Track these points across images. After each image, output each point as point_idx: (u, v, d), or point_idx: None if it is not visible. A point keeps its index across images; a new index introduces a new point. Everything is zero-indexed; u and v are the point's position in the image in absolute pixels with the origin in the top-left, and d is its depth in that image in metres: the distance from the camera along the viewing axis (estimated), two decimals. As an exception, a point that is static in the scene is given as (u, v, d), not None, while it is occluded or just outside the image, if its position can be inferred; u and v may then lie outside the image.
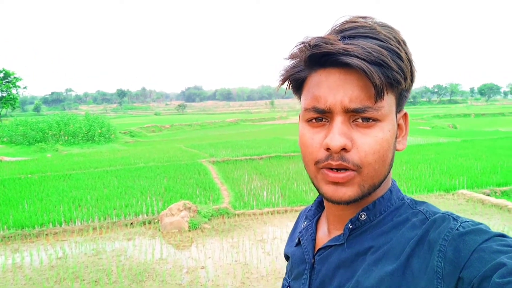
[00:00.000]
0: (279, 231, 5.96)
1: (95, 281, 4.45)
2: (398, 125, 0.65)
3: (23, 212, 6.99)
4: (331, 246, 0.68)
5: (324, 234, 0.73)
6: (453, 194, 7.48)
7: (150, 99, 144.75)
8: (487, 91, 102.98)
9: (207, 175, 10.02)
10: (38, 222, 6.40)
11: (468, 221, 0.56)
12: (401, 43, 0.60)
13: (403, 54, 0.58)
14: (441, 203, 6.99)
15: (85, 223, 6.44)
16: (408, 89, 0.64)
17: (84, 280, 4.48)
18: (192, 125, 34.86)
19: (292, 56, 0.64)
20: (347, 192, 0.60)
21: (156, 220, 6.50)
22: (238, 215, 6.75)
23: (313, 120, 0.62)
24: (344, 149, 0.58)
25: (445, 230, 0.55)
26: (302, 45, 0.61)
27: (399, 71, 0.58)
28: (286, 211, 6.90)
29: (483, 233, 0.53)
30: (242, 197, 7.84)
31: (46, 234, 6.04)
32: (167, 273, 4.59)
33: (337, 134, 0.58)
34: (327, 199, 0.64)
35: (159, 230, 6.16)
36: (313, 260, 0.70)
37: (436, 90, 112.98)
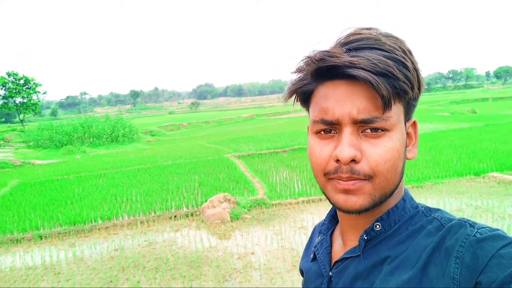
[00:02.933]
0: (317, 218, 6.22)
1: (156, 268, 4.80)
2: (408, 133, 0.66)
3: (71, 210, 7.41)
4: (347, 258, 0.68)
5: (340, 247, 0.73)
6: (483, 177, 7.61)
7: (162, 98, 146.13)
8: (503, 74, 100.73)
9: (236, 169, 10.33)
10: (89, 218, 6.81)
11: (485, 227, 0.56)
12: (406, 52, 0.60)
13: (409, 64, 0.59)
14: (473, 186, 7.14)
15: (131, 218, 6.82)
16: (415, 98, 0.64)
17: (145, 267, 4.84)
18: (209, 122, 35.29)
19: (299, 70, 0.65)
20: (358, 200, 0.60)
21: (198, 213, 6.84)
22: (275, 205, 7.03)
23: (322, 132, 0.63)
24: (353, 160, 0.59)
25: (462, 236, 0.55)
26: (308, 59, 0.62)
27: (406, 80, 0.58)
28: (320, 199, 7.14)
29: (501, 239, 0.53)
30: (274, 188, 8.12)
31: (98, 229, 6.44)
32: (220, 259, 4.91)
33: (346, 145, 0.58)
34: (339, 208, 0.63)
35: (203, 221, 6.49)
36: (330, 273, 0.70)
37: (450, 75, 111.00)
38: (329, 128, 0.62)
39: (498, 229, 0.55)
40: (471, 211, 5.87)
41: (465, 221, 0.58)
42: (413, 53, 0.62)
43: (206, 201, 6.98)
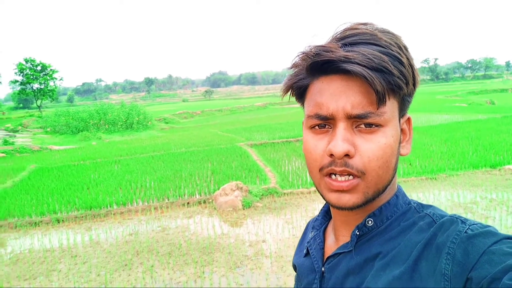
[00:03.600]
0: (329, 208, 6.24)
1: (169, 253, 4.91)
2: (402, 130, 0.66)
3: (87, 195, 7.59)
4: (339, 253, 0.68)
5: (332, 242, 0.73)
6: (499, 170, 7.49)
7: (176, 86, 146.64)
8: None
9: (249, 157, 10.37)
10: (104, 203, 6.98)
11: (476, 224, 0.56)
12: (402, 48, 0.60)
13: (404, 60, 0.59)
14: (488, 179, 7.04)
15: (146, 204, 6.96)
16: (410, 94, 0.64)
17: (159, 252, 4.96)
18: (222, 110, 35.35)
19: (294, 65, 0.65)
20: (352, 198, 0.61)
21: (210, 200, 6.93)
22: (287, 194, 7.07)
23: (316, 127, 0.63)
24: (347, 155, 0.59)
25: (453, 233, 0.55)
26: (303, 54, 0.62)
27: (401, 76, 0.58)
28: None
29: (492, 235, 0.53)
30: (287, 178, 8.15)
31: (114, 214, 6.60)
32: (232, 246, 4.99)
33: (340, 140, 0.58)
34: (332, 205, 0.64)
35: (215, 208, 6.58)
36: (323, 269, 0.71)
37: (469, 65, 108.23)
38: (324, 123, 0.62)
39: (489, 226, 0.55)
40: (485, 204, 5.80)
41: (456, 218, 0.58)
42: (409, 49, 0.62)
43: (218, 188, 7.06)
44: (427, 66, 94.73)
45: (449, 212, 5.49)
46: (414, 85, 0.63)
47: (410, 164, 8.39)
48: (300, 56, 0.63)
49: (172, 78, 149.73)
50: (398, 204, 0.66)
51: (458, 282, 0.51)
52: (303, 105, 0.68)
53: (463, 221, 0.57)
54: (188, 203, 6.91)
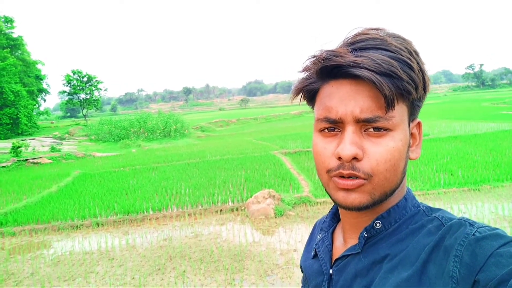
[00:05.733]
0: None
1: (201, 259, 4.97)
2: (412, 134, 0.66)
3: (126, 200, 7.88)
4: (347, 255, 0.69)
5: (341, 245, 0.74)
6: (551, 182, 6.99)
7: (213, 95, 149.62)
8: None
9: (282, 166, 10.34)
10: (141, 208, 7.20)
11: (484, 226, 0.56)
12: (412, 53, 0.60)
13: (414, 65, 0.59)
14: (538, 191, 6.57)
15: (180, 210, 7.11)
16: (420, 99, 0.64)
17: (191, 258, 5.03)
18: (258, 118, 35.60)
19: (305, 69, 0.66)
20: (358, 198, 0.61)
21: (243, 208, 6.96)
22: (320, 203, 6.97)
23: (325, 130, 0.64)
24: (355, 158, 0.59)
25: (462, 235, 0.55)
26: (314, 59, 0.63)
27: (410, 81, 0.58)
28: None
29: (500, 238, 0.53)
30: (320, 186, 8.03)
31: (149, 219, 6.79)
32: (263, 254, 4.98)
33: (348, 143, 0.59)
34: (339, 205, 0.64)
35: (247, 216, 6.60)
36: (331, 271, 0.71)
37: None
38: (333, 126, 0.63)
39: (497, 228, 0.56)
40: (534, 218, 5.42)
41: (465, 220, 0.58)
42: (420, 54, 0.63)
43: (251, 196, 7.08)
44: (472, 72, 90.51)
45: (493, 225, 5.18)
46: (425, 90, 0.63)
47: (451, 174, 8.02)
48: (310, 60, 0.64)
49: (209, 87, 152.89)
50: (407, 207, 0.67)
51: (466, 284, 0.51)
52: (313, 108, 0.69)
53: (471, 223, 0.57)
54: (221, 210, 6.98)
